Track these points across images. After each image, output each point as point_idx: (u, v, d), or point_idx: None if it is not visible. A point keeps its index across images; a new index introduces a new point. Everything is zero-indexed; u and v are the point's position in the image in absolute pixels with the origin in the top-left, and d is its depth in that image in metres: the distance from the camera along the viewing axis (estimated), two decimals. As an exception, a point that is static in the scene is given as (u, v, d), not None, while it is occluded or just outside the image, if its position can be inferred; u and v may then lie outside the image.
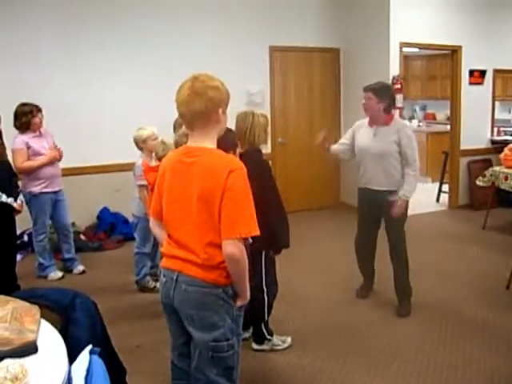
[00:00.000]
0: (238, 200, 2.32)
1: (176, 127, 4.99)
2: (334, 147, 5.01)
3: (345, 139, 5.02)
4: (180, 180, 2.43)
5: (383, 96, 4.61)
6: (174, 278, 2.45)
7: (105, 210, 7.24)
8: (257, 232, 2.34)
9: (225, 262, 2.37)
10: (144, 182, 4.96)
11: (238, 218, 2.32)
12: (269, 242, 3.59)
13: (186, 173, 2.41)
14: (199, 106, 2.36)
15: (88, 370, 1.87)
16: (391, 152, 4.64)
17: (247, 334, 4.10)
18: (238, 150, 3.50)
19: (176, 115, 2.58)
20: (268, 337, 4.08)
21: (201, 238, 2.39)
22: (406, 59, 8.70)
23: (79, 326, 2.44)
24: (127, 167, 5.23)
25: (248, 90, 7.92)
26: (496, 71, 8.94)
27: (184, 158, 2.44)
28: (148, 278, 5.37)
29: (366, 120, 4.82)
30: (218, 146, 2.48)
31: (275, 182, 3.78)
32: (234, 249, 2.31)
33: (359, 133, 4.84)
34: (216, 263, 2.39)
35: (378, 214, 4.84)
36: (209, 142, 2.44)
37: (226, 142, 2.62)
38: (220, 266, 2.39)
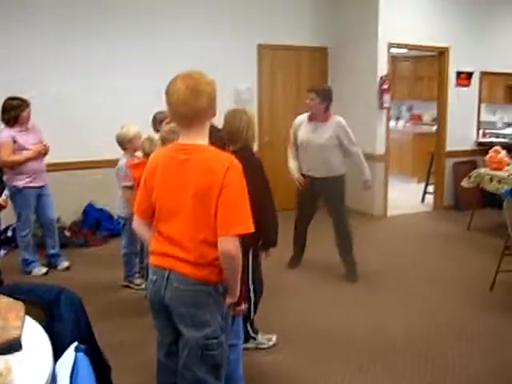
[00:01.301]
0: (235, 197, 2.32)
1: (156, 124, 4.97)
2: (293, 164, 5.65)
3: (293, 144, 5.67)
4: (174, 177, 2.41)
5: (325, 97, 5.40)
6: (165, 275, 2.43)
7: (90, 206, 7.19)
8: (252, 229, 2.34)
9: (217, 259, 2.37)
10: (128, 183, 4.91)
11: (234, 215, 2.31)
12: (258, 239, 3.59)
13: (180, 170, 2.39)
14: (201, 103, 2.36)
15: (73, 368, 1.85)
16: (329, 145, 5.41)
17: (250, 345, 4.06)
18: (231, 149, 3.49)
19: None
20: (253, 335, 4.07)
21: (194, 236, 2.37)
22: (393, 60, 8.72)
23: (64, 322, 2.42)
24: (113, 163, 5.18)
25: (236, 88, 7.91)
26: (483, 73, 9.00)
27: (177, 155, 2.42)
28: (136, 274, 5.36)
29: (304, 116, 5.59)
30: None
31: (268, 181, 3.77)
32: (230, 246, 2.31)
33: (301, 129, 5.56)
34: (209, 261, 2.38)
35: (315, 197, 5.69)
36: (203, 139, 2.44)
37: (216, 142, 2.59)
38: (212, 263, 2.38)
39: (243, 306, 2.90)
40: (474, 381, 3.67)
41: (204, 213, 2.34)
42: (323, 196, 5.64)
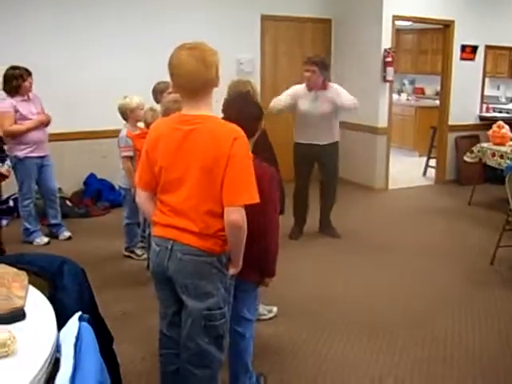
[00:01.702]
0: (242, 168, 2.32)
1: (157, 95, 4.93)
2: (280, 104, 5.71)
3: (289, 95, 5.74)
4: (179, 148, 2.39)
5: (325, 68, 5.60)
6: (169, 247, 2.43)
7: (92, 177, 7.18)
8: (257, 199, 2.35)
9: (221, 230, 2.38)
10: (128, 153, 4.92)
11: (241, 185, 2.32)
12: None
13: (185, 140, 2.37)
14: (211, 74, 2.37)
15: (77, 337, 1.86)
16: (330, 112, 5.64)
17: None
18: None
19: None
20: (254, 306, 4.10)
21: (199, 206, 2.37)
22: (397, 32, 8.63)
23: (67, 292, 2.43)
24: (115, 134, 5.16)
25: (238, 59, 7.85)
26: (487, 47, 8.91)
27: (181, 126, 2.40)
28: (138, 244, 5.38)
29: (303, 86, 5.70)
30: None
31: (273, 148, 3.78)
32: (237, 216, 2.32)
33: (301, 98, 5.67)
34: (213, 232, 2.39)
35: (312, 164, 5.93)
36: (208, 110, 2.43)
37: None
38: (216, 234, 2.40)
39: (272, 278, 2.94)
40: (472, 354, 3.70)
41: (210, 183, 2.34)
42: (320, 162, 5.91)
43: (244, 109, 2.70)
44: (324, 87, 5.61)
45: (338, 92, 5.64)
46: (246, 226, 2.38)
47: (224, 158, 2.29)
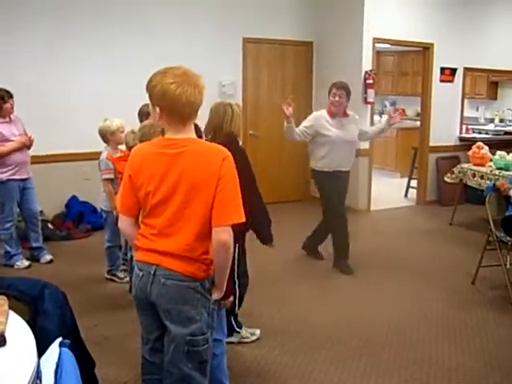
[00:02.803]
0: (231, 187, 2.34)
1: (142, 117, 4.91)
2: (296, 129, 5.46)
3: (307, 129, 5.55)
4: (166, 171, 2.37)
5: (349, 95, 5.58)
6: (152, 271, 2.42)
7: (73, 199, 7.14)
8: (243, 218, 2.37)
9: (205, 253, 2.39)
10: (109, 176, 4.94)
11: (230, 205, 2.34)
12: (246, 230, 3.65)
13: (173, 164, 2.36)
14: (201, 101, 2.39)
15: (58, 363, 1.85)
16: (356, 140, 5.84)
17: (233, 339, 4.06)
18: (217, 141, 3.48)
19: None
20: (237, 329, 4.08)
21: (186, 229, 2.37)
22: (377, 55, 8.75)
23: (48, 317, 2.41)
24: (97, 156, 5.15)
25: (220, 81, 7.89)
26: (466, 69, 9.06)
27: (166, 150, 2.39)
28: (120, 267, 5.35)
29: (323, 112, 5.62)
30: None
31: (253, 171, 3.78)
32: (226, 236, 2.33)
33: (324, 125, 5.53)
34: (197, 255, 2.39)
35: (339, 190, 5.72)
36: (192, 133, 2.45)
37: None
38: (200, 257, 2.40)
39: (231, 299, 2.91)
40: (455, 375, 3.70)
41: (198, 205, 2.34)
42: (339, 188, 5.72)
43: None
44: (346, 114, 5.62)
45: (356, 119, 5.75)
46: (232, 245, 2.38)
47: (214, 178, 2.31)
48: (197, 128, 2.88)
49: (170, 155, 2.37)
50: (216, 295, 2.51)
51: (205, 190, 2.32)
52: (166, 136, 2.45)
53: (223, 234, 2.33)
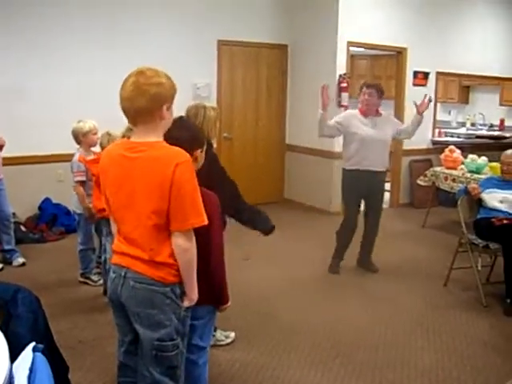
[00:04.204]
0: (187, 192, 2.32)
1: None
2: (329, 121, 5.53)
3: (337, 124, 5.59)
4: (124, 175, 2.38)
5: (381, 94, 5.58)
6: (123, 274, 2.44)
7: (47, 201, 7.06)
8: (205, 221, 2.37)
9: (171, 256, 2.38)
10: (81, 178, 4.91)
11: (187, 209, 2.33)
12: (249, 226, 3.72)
13: (130, 168, 2.36)
14: (142, 103, 2.31)
15: (31, 369, 1.83)
16: (390, 140, 5.77)
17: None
18: None
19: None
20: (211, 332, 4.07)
21: (146, 234, 2.38)
22: (351, 58, 8.81)
23: (21, 321, 2.39)
24: (70, 158, 5.11)
25: (195, 84, 7.88)
26: (438, 73, 9.17)
27: (127, 153, 2.38)
28: (93, 270, 5.31)
29: (353, 111, 5.71)
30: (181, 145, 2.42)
31: (225, 171, 3.76)
32: (182, 240, 2.35)
33: (355, 123, 5.54)
34: (162, 259, 2.38)
35: (366, 191, 5.68)
36: (154, 137, 2.38)
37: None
38: (167, 262, 2.39)
39: (229, 304, 2.91)
40: (428, 376, 3.75)
41: (155, 210, 2.33)
42: (370, 190, 5.71)
43: (172, 132, 2.55)
44: (378, 113, 5.62)
45: (390, 118, 5.85)
46: (194, 249, 2.39)
47: (167, 183, 2.28)
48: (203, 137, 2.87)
49: (129, 159, 2.37)
50: (187, 302, 2.50)
51: (159, 196, 2.31)
52: (131, 138, 2.46)
53: (179, 239, 2.35)
